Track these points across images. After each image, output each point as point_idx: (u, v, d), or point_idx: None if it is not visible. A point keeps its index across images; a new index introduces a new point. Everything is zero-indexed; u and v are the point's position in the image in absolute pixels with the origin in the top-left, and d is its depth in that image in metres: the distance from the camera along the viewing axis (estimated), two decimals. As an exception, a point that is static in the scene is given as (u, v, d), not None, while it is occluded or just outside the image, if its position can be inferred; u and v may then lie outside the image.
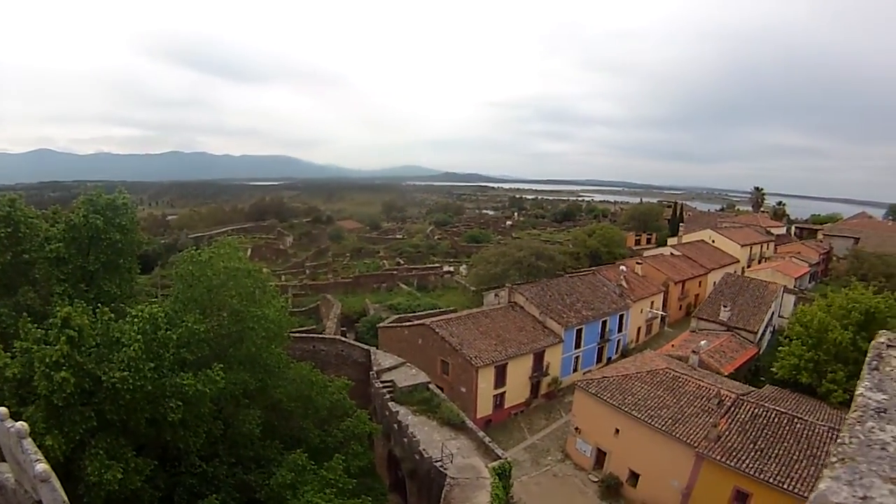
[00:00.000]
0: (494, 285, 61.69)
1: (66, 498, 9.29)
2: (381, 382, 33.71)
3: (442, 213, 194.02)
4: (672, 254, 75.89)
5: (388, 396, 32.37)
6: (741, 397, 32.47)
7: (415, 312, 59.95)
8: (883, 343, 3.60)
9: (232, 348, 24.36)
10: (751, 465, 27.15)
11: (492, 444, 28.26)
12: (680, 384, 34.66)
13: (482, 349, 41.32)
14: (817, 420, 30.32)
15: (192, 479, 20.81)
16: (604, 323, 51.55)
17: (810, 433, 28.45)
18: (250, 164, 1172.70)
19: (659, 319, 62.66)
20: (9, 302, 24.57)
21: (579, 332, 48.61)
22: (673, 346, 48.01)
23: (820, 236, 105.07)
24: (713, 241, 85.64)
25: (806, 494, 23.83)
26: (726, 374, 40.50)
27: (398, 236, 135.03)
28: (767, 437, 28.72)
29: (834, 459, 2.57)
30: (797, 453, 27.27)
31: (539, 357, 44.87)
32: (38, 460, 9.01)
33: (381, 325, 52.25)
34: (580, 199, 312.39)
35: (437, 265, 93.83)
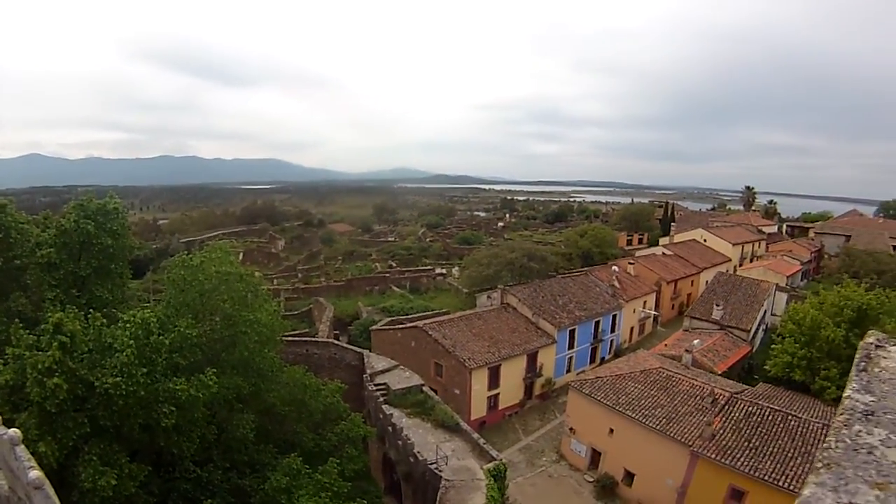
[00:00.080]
0: (487, 287, 61.66)
1: (60, 505, 9.25)
2: (375, 385, 33.63)
3: (434, 215, 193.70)
4: (664, 253, 76.00)
5: (381, 399, 32.30)
6: (735, 395, 32.53)
7: (407, 315, 59.76)
8: (871, 343, 3.51)
9: (225, 353, 24.30)
10: (745, 463, 27.23)
11: (486, 446, 28.24)
12: (673, 383, 34.72)
13: (475, 351, 41.29)
14: (811, 417, 30.44)
15: (187, 485, 20.75)
16: (597, 323, 51.61)
17: (804, 430, 28.56)
18: (241, 167, 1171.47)
19: (652, 319, 62.77)
20: (0, 308, 24.44)
21: (572, 332, 48.64)
22: (666, 345, 48.04)
23: (811, 234, 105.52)
24: (705, 241, 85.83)
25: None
26: (719, 372, 40.59)
27: (390, 239, 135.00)
28: (762, 434, 28.80)
29: (819, 465, 2.50)
30: (792, 451, 27.35)
31: (532, 358, 44.87)
32: (31, 467, 8.97)
33: (373, 327, 52.12)
34: (572, 199, 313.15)
35: (429, 267, 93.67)
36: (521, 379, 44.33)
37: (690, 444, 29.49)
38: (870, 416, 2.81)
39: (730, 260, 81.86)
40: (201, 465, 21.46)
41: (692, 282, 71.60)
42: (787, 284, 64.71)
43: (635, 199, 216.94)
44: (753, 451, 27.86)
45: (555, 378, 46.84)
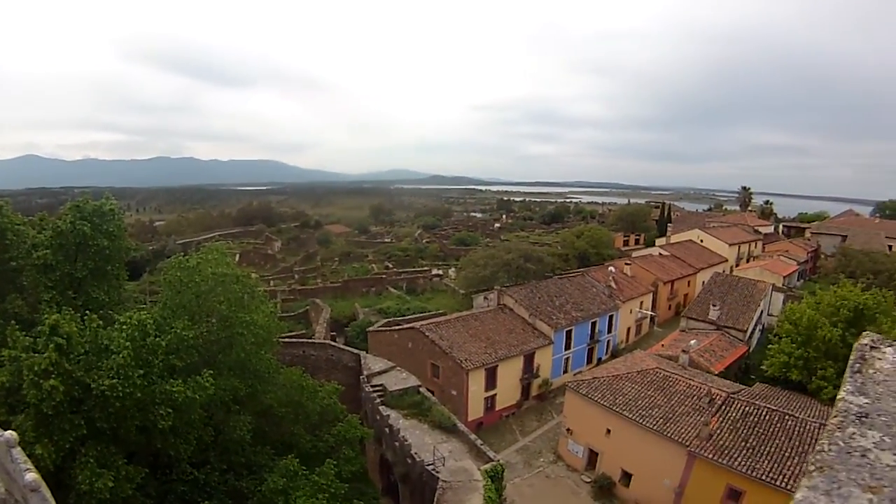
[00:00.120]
0: (483, 288, 61.68)
1: (56, 508, 9.23)
2: (372, 386, 33.61)
3: (430, 216, 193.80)
4: (660, 254, 76.16)
5: (378, 400, 32.26)
6: (732, 395, 32.59)
7: (404, 316, 59.77)
8: (866, 345, 3.45)
9: (221, 354, 24.27)
10: (743, 463, 27.27)
11: (483, 447, 28.22)
12: (670, 383, 34.77)
13: (472, 352, 41.28)
14: (808, 417, 30.49)
15: (184, 486, 20.72)
16: (593, 324, 51.65)
17: (801, 430, 28.61)
18: (238, 168, 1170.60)
19: (648, 320, 62.87)
20: (-4, 310, 24.40)
21: (569, 333, 48.66)
22: (663, 345, 48.12)
23: (807, 234, 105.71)
24: (701, 241, 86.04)
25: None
26: (716, 372, 40.66)
27: (387, 240, 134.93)
28: (759, 434, 28.85)
29: (812, 468, 2.46)
30: (789, 450, 27.41)
31: (529, 359, 44.88)
32: (27, 469, 8.96)
33: (370, 329, 52.14)
34: (568, 200, 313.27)
35: (425, 268, 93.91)
36: (518, 380, 44.33)
37: (687, 444, 29.52)
38: (864, 419, 2.78)
39: (726, 260, 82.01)
40: (198, 467, 21.44)
41: (689, 282, 71.71)
42: (783, 284, 64.88)
43: (632, 200, 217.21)
44: (750, 450, 27.91)
45: (552, 379, 46.84)
